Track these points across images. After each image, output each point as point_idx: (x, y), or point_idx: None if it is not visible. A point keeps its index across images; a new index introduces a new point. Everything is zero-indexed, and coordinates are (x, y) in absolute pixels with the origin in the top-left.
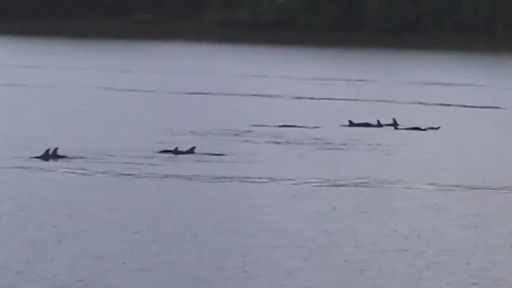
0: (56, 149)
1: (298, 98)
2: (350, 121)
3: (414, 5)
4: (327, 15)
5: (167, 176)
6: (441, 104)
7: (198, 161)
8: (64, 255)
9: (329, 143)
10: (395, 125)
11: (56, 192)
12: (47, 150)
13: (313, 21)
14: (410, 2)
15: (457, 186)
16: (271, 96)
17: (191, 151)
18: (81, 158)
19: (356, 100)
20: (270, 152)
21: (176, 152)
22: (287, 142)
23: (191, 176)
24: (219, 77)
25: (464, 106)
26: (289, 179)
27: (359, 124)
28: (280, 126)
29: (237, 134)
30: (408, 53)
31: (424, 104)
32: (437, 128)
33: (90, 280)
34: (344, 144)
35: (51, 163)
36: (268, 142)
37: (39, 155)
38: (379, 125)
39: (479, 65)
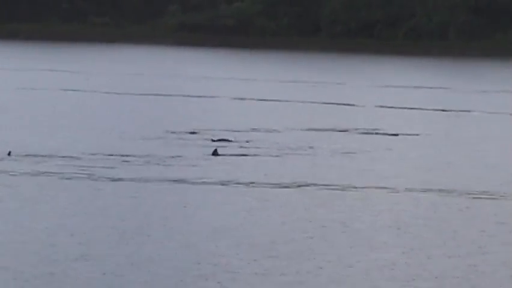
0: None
1: (261, 100)
2: None
3: (368, 10)
4: (283, 19)
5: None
6: (397, 107)
7: (154, 165)
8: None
9: (287, 147)
10: None
11: None
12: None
13: (270, 25)
14: (364, 7)
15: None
16: (229, 98)
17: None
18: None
19: (312, 103)
20: (224, 155)
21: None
22: (243, 146)
23: (147, 179)
24: (176, 80)
25: (420, 109)
26: (244, 183)
27: None
28: (236, 130)
29: (196, 137)
30: (363, 57)
31: (381, 107)
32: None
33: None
34: (301, 148)
35: None
36: (223, 147)
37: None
38: None
39: (433, 69)
